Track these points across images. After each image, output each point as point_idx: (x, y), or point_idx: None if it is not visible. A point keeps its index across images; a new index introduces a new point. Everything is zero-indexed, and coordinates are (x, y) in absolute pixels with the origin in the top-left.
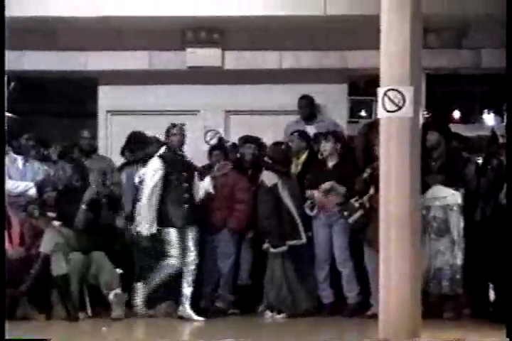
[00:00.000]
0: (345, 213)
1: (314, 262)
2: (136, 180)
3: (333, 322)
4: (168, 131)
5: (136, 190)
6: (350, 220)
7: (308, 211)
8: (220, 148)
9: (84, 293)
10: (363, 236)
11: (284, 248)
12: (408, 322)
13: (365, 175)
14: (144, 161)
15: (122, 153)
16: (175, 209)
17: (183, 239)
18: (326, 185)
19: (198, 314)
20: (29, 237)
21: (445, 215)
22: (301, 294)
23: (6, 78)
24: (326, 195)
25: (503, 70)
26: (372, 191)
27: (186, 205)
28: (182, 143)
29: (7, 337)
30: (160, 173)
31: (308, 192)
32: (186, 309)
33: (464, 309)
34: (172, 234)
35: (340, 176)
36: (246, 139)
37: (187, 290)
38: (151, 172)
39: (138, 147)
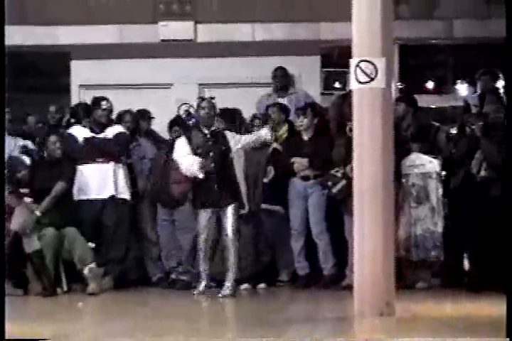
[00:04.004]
0: (329, 183)
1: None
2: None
3: (309, 294)
4: (198, 105)
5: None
6: (335, 190)
7: None
8: (179, 124)
9: (59, 268)
10: (345, 205)
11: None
12: (382, 291)
13: (341, 147)
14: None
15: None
16: None
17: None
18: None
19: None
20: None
21: (424, 183)
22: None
23: None
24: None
25: (475, 40)
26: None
27: None
28: (211, 117)
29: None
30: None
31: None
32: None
33: (434, 278)
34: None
35: (315, 148)
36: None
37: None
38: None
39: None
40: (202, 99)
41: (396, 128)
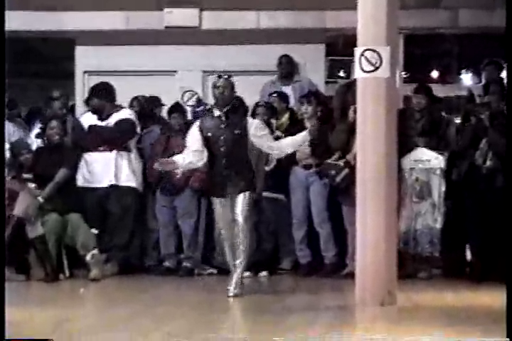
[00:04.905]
0: (333, 172)
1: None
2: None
3: (310, 282)
4: (213, 85)
5: None
6: (338, 179)
7: None
8: (178, 110)
9: (62, 254)
10: (347, 194)
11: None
12: (383, 281)
13: (340, 132)
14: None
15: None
16: None
17: None
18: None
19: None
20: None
21: (427, 178)
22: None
23: None
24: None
25: (480, 30)
26: (355, 150)
27: None
28: (225, 97)
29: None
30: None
31: None
32: None
33: (435, 269)
34: None
35: (318, 137)
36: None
37: None
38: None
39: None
40: (219, 76)
41: (407, 121)
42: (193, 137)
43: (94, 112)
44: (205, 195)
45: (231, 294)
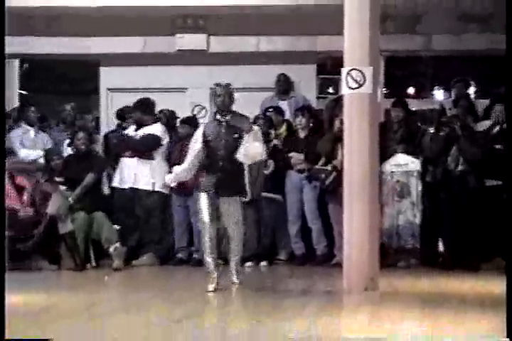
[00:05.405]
0: (322, 176)
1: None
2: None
3: (304, 270)
4: (213, 92)
5: None
6: (327, 182)
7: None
8: (187, 122)
9: (89, 247)
10: (335, 195)
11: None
12: (367, 269)
13: (326, 141)
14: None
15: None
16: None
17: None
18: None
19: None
20: (39, 199)
21: (406, 180)
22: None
23: (18, 60)
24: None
25: (450, 52)
26: (340, 156)
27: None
28: (226, 104)
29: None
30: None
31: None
32: None
33: (412, 259)
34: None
35: (310, 145)
36: None
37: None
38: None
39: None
40: (217, 85)
41: (388, 131)
42: (195, 141)
43: (134, 123)
44: (188, 195)
45: (235, 281)
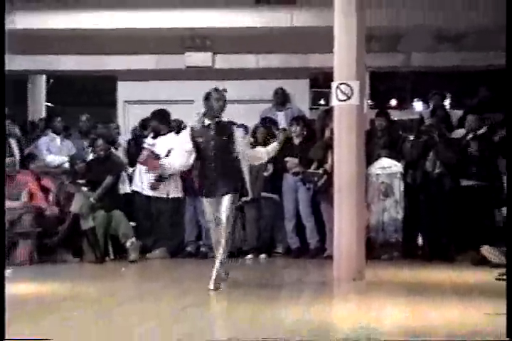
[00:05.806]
0: (315, 178)
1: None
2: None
3: (299, 262)
4: (208, 95)
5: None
6: (319, 183)
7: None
8: None
9: (108, 242)
10: (325, 195)
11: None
12: (355, 261)
13: (317, 148)
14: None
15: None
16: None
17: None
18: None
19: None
20: (63, 199)
21: (390, 181)
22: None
23: (45, 76)
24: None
25: (428, 68)
26: (330, 161)
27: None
28: (218, 108)
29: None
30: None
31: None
32: None
33: (395, 252)
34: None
35: (302, 151)
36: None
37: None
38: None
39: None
40: (215, 89)
41: (373, 138)
42: (184, 140)
43: (151, 131)
44: (196, 196)
45: (211, 287)
